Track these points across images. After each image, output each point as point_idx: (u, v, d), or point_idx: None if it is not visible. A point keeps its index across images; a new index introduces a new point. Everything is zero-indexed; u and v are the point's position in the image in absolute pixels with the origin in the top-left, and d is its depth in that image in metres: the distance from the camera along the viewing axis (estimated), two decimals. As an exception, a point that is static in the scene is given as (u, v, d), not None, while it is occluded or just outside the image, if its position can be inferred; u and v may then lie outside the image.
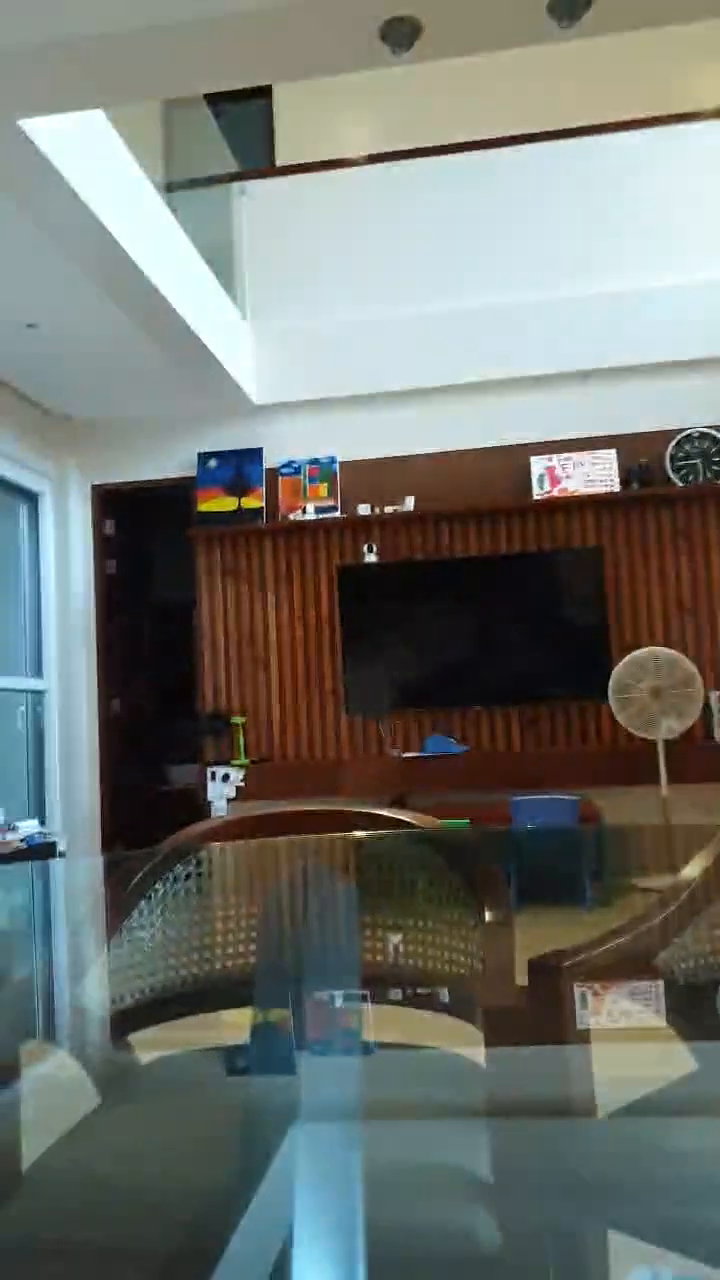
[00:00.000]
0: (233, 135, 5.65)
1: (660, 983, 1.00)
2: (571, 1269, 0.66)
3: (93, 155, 3.31)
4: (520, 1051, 0.85)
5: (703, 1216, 0.70)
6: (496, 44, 3.11)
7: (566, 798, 4.48)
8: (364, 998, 0.99)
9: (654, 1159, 0.75)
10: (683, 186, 5.16)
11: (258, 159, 6.51)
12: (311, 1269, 0.54)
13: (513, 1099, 0.77)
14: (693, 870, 1.19)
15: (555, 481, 5.14)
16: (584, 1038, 0.92)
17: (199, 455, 5.51)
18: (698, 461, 5.02)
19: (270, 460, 5.45)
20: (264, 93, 6.58)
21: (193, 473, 5.52)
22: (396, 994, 1.00)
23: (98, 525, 5.75)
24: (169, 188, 4.42)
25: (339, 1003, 0.97)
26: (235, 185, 5.55)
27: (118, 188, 3.51)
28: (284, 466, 5.43)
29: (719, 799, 4.80)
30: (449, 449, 5.30)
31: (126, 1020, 0.94)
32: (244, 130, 6.28)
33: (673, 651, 4.68)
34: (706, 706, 4.89)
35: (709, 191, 5.12)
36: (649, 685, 4.58)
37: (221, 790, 5.06)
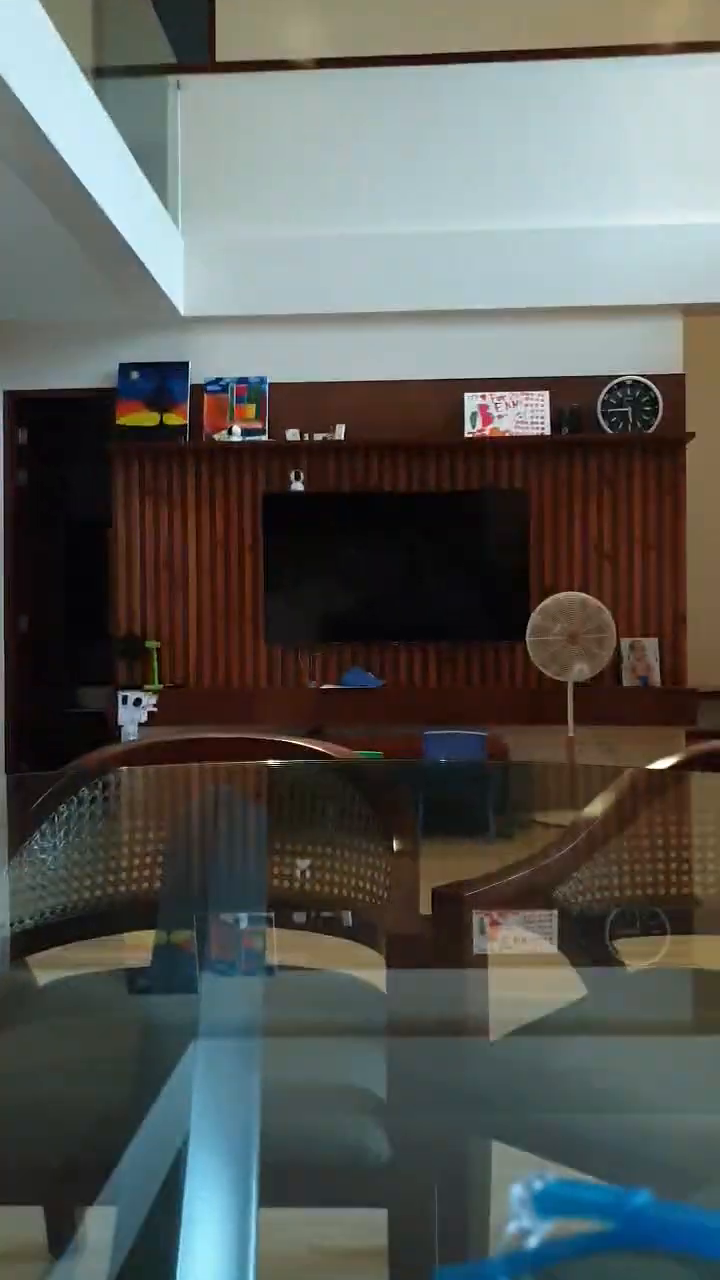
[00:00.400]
0: (171, 25, 5.33)
1: (554, 912, 1.04)
2: (455, 1177, 0.69)
3: (15, 29, 3.08)
4: (419, 975, 0.88)
5: (579, 1127, 0.74)
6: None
7: (475, 733, 4.59)
8: (269, 921, 1.00)
9: (539, 1076, 0.78)
10: (637, 125, 5.09)
11: (197, 53, 6.16)
12: (205, 1178, 0.55)
13: (410, 1020, 0.79)
14: (594, 809, 1.23)
15: (487, 420, 5.13)
16: (481, 962, 0.95)
17: (120, 366, 5.31)
18: (628, 410, 5.07)
19: (196, 376, 5.29)
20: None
21: (113, 384, 5.32)
22: (301, 918, 1.02)
23: (10, 434, 5.51)
24: (98, 73, 4.16)
25: (243, 925, 0.98)
26: (171, 79, 5.25)
27: (41, 66, 3.28)
28: (210, 384, 5.28)
29: (623, 741, 4.98)
30: (383, 378, 5.22)
31: (27, 941, 0.93)
32: (183, 21, 5.92)
33: (590, 597, 4.78)
34: (617, 652, 5.04)
35: (663, 132, 5.06)
36: (565, 629, 4.68)
37: (133, 715, 5.01)
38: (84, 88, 3.75)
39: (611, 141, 5.10)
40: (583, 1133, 0.76)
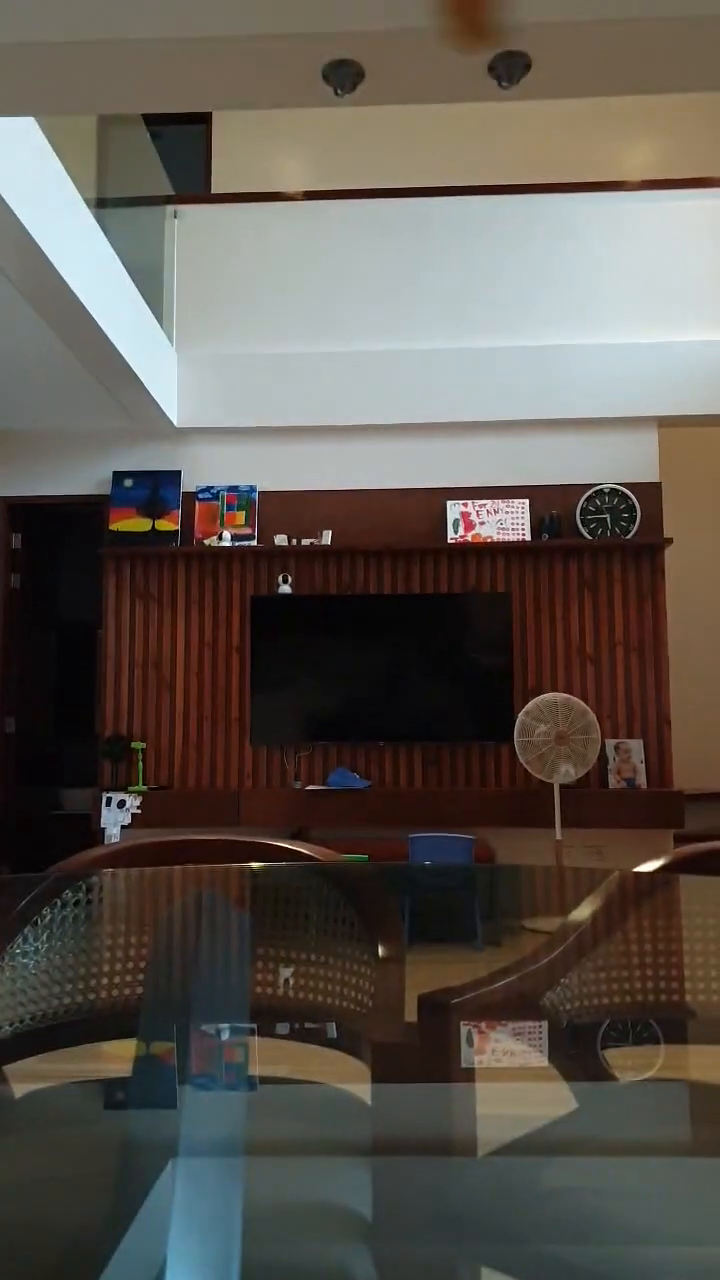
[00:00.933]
0: (169, 158, 5.68)
1: (545, 1023, 1.02)
2: (444, 1307, 0.66)
3: (22, 162, 3.28)
4: (406, 1089, 0.86)
5: (572, 1256, 0.72)
6: (437, 97, 3.21)
7: (462, 837, 4.53)
8: (251, 1031, 0.98)
9: (529, 1197, 0.76)
10: (611, 253, 5.40)
11: (194, 184, 6.54)
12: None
13: (396, 1136, 0.77)
14: (581, 913, 1.22)
15: (469, 526, 5.25)
16: (469, 1076, 0.93)
17: (114, 474, 5.44)
18: (606, 516, 5.21)
19: (188, 484, 5.42)
20: (204, 118, 6.64)
21: (107, 491, 5.44)
22: (284, 1028, 0.99)
23: (3, 539, 5.60)
24: (100, 204, 4.40)
25: (225, 1036, 0.96)
26: (169, 208, 5.56)
27: (47, 198, 3.48)
28: (202, 491, 5.41)
29: (611, 844, 4.93)
30: (368, 486, 5.37)
31: (5, 1050, 0.91)
32: (181, 154, 6.32)
33: (574, 698, 4.81)
34: (603, 754, 5.03)
35: (635, 259, 5.37)
36: (552, 730, 4.69)
37: (117, 817, 4.94)
38: (86, 216, 3.97)
39: (587, 267, 5.39)
40: (576, 1262, 0.73)
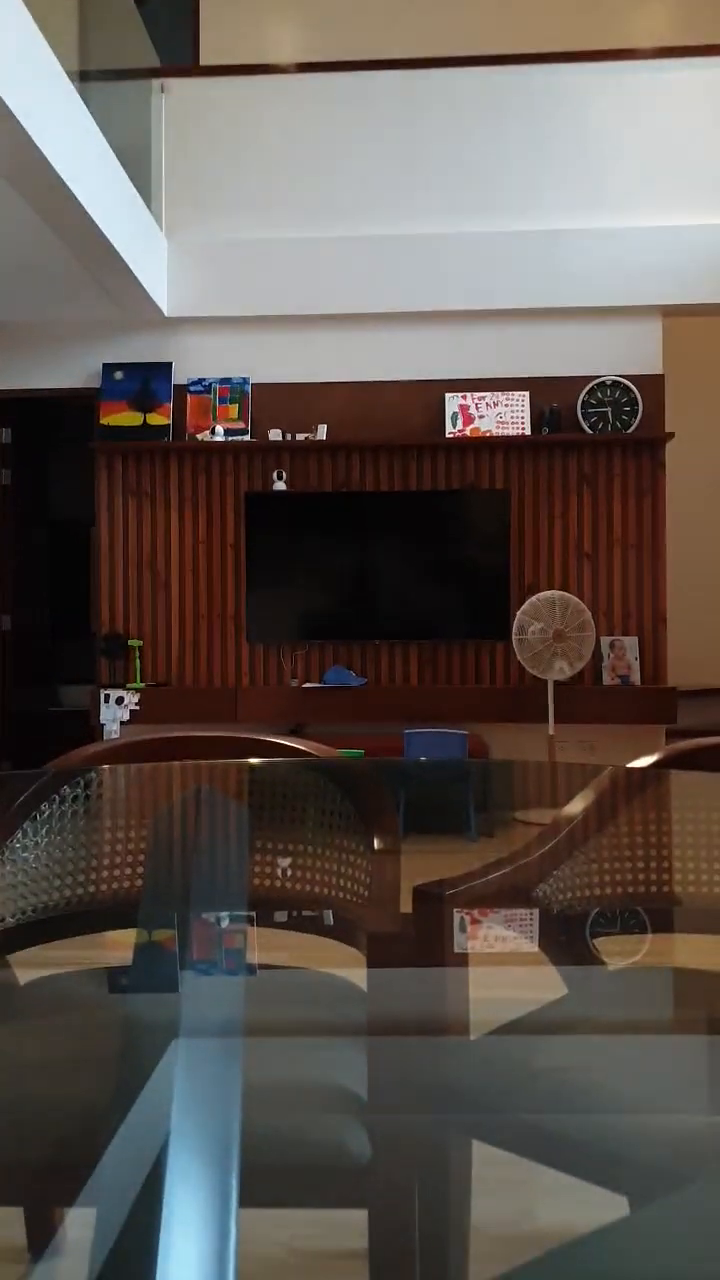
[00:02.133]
0: (155, 28, 5.32)
1: (535, 911, 1.04)
2: (436, 1177, 0.69)
3: (-1, 28, 3.06)
4: (400, 974, 0.88)
5: (560, 1126, 0.74)
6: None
7: (456, 732, 4.60)
8: (250, 920, 1.00)
9: (519, 1075, 0.79)
10: (616, 129, 5.12)
11: (181, 56, 6.15)
12: (185, 1178, 0.55)
13: (390, 1019, 0.79)
14: (574, 808, 1.24)
15: (468, 420, 5.14)
16: (461, 961, 0.95)
17: (104, 366, 5.29)
18: (608, 410, 5.10)
19: (179, 377, 5.28)
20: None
21: (97, 384, 5.30)
22: (282, 917, 1.02)
23: (-7, 433, 5.49)
24: (83, 77, 4.14)
25: (225, 924, 0.98)
26: (155, 83, 5.24)
27: (26, 68, 3.27)
28: (193, 384, 5.26)
29: (603, 739, 5.01)
30: (365, 379, 5.23)
31: (7, 940, 0.93)
32: (168, 24, 5.91)
33: (570, 596, 4.81)
34: (598, 651, 5.06)
35: (642, 136, 5.10)
36: (548, 628, 4.70)
37: (115, 713, 4.99)
38: (69, 90, 3.74)
39: (591, 145, 5.12)
40: (563, 1132, 0.76)
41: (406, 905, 0.95)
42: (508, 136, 5.14)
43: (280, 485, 5.20)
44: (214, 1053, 0.73)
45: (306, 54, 5.82)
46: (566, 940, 1.06)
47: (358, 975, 0.89)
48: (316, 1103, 0.69)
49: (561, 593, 4.81)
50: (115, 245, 4.23)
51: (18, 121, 3.15)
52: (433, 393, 5.19)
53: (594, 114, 5.13)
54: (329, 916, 1.05)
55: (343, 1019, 0.81)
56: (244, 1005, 0.83)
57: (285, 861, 1.10)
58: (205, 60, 6.24)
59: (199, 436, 5.21)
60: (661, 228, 5.03)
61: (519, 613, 4.76)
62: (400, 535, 5.17)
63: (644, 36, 5.84)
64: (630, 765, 1.31)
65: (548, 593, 4.80)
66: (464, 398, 5.14)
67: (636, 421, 5.07)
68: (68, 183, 3.61)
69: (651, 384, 5.11)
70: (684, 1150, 0.69)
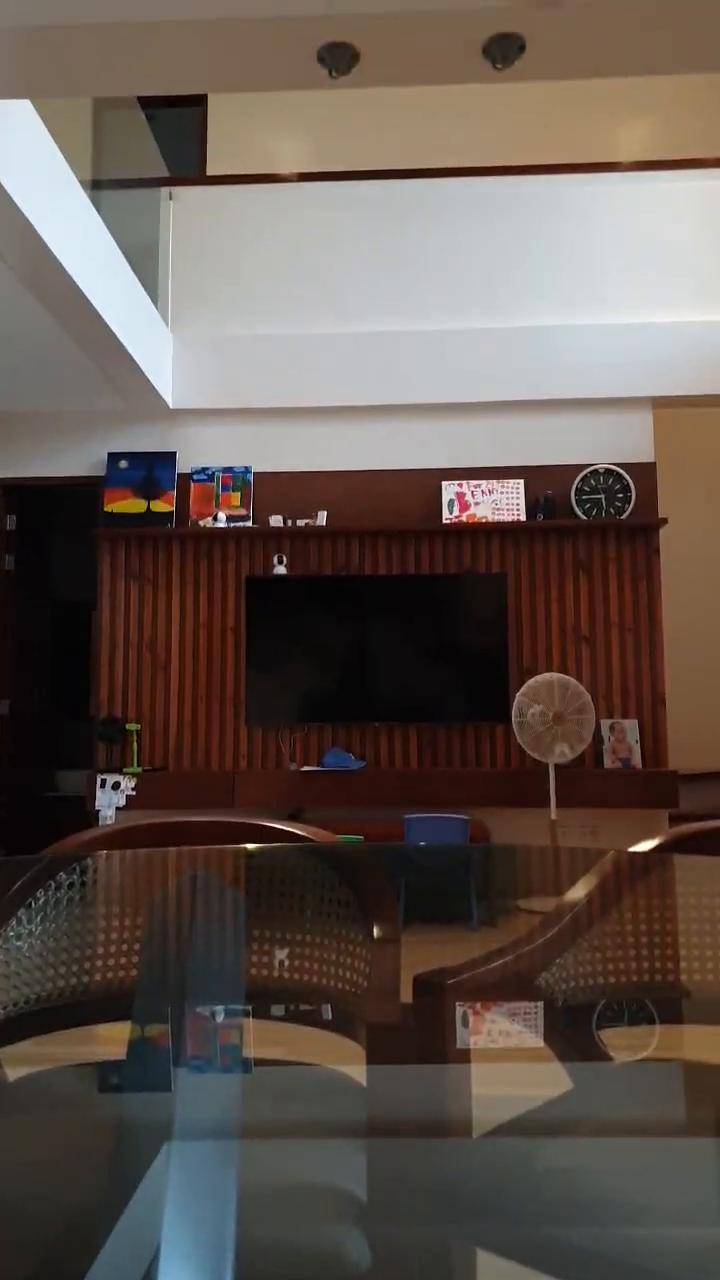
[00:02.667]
0: (164, 139, 5.62)
1: (540, 1003, 1.02)
2: (439, 1287, 0.66)
3: (17, 144, 3.23)
4: (401, 1070, 0.86)
5: (567, 1236, 0.72)
6: (432, 79, 3.18)
7: (457, 817, 4.55)
8: (246, 1013, 0.98)
9: (524, 1177, 0.76)
10: (604, 233, 5.36)
11: (188, 165, 6.48)
12: (177, 1290, 0.53)
13: (391, 1117, 0.77)
14: (577, 893, 1.22)
15: (465, 507, 5.24)
16: (464, 1057, 0.93)
17: (109, 455, 5.41)
18: (601, 496, 5.20)
19: (183, 466, 5.39)
20: (199, 100, 6.56)
21: (102, 472, 5.41)
22: (280, 1010, 1.00)
23: (-1, 519, 5.58)
24: (96, 185, 4.35)
25: (220, 1018, 0.96)
26: (164, 190, 5.50)
27: (42, 180, 3.44)
28: (197, 473, 5.38)
29: (606, 823, 4.95)
30: (364, 467, 5.35)
31: (1, 1032, 0.90)
32: (176, 135, 6.25)
33: (569, 678, 4.81)
34: (598, 734, 5.05)
35: (627, 240, 5.34)
36: (548, 710, 4.70)
37: (111, 799, 4.94)
38: (81, 197, 3.93)
39: (580, 248, 5.35)
40: (571, 1242, 0.73)
41: (407, 995, 0.92)
42: (500, 240, 5.37)
43: (281, 569, 5.26)
44: (208, 1155, 0.70)
45: (307, 164, 6.13)
46: (572, 1033, 1.04)
47: (357, 1070, 0.87)
48: (314, 1208, 0.67)
49: (560, 675, 4.82)
50: (122, 341, 4.38)
51: (33, 228, 3.30)
52: (430, 480, 5.30)
53: (582, 220, 5.37)
54: (328, 1010, 1.03)
55: (342, 1118, 0.79)
56: (240, 1104, 0.81)
57: (283, 952, 1.08)
58: (212, 169, 6.57)
59: (201, 523, 5.30)
60: (651, 324, 5.22)
61: (518, 695, 4.76)
62: (399, 618, 5.21)
63: (629, 148, 6.16)
64: (633, 849, 1.30)
65: (546, 675, 4.81)
66: (460, 485, 5.25)
67: (630, 508, 5.17)
68: (78, 283, 3.76)
69: (644, 471, 5.23)
70: (696, 1265, 0.66)
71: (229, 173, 5.94)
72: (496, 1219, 0.68)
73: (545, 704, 4.70)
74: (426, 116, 6.42)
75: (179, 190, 5.55)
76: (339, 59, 2.98)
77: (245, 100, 6.44)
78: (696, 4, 2.90)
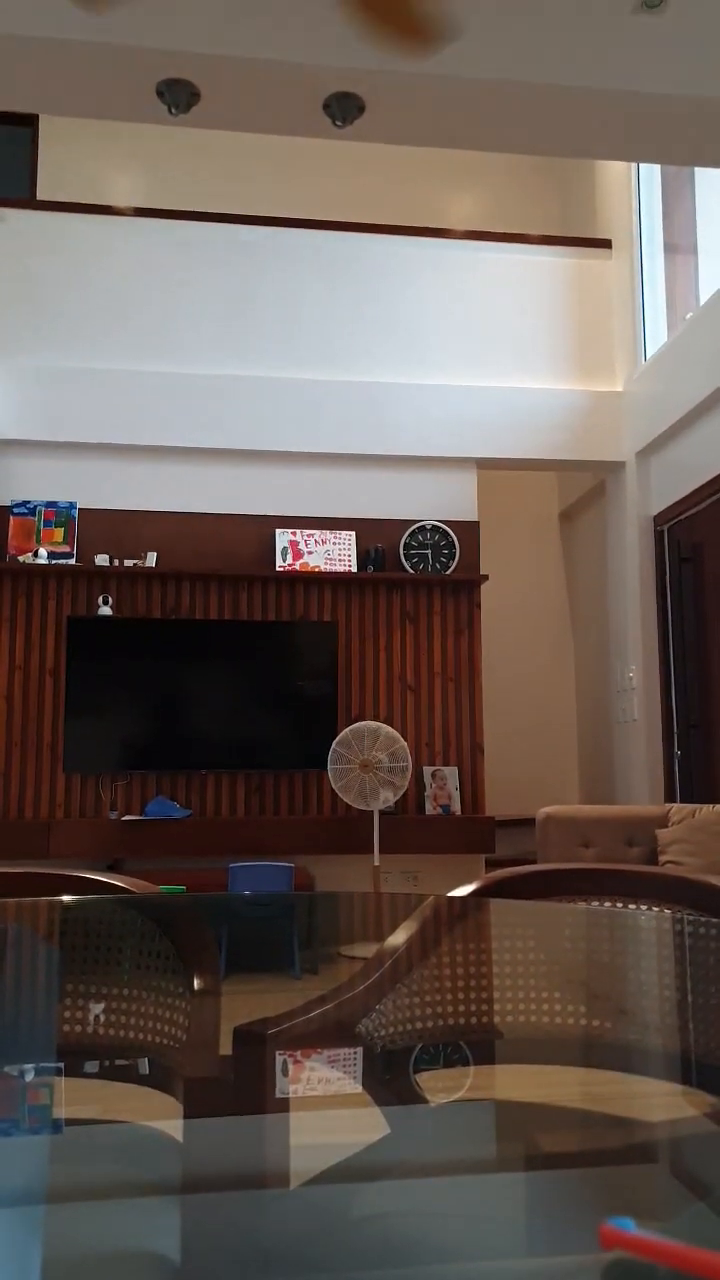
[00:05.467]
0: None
1: (359, 1049, 1.03)
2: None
3: None
4: (218, 1123, 0.84)
5: (377, 1279, 0.72)
6: (272, 127, 3.27)
7: (282, 865, 4.52)
8: (57, 1071, 0.93)
9: (339, 1226, 0.76)
10: (435, 297, 5.64)
11: (17, 187, 6.32)
12: None
13: (207, 1172, 0.75)
14: (396, 939, 1.25)
15: (298, 555, 5.30)
16: (283, 1106, 0.93)
17: None
18: (428, 551, 5.40)
19: (3, 498, 5.18)
20: (30, 120, 6.44)
21: None
22: (94, 1066, 0.96)
23: None
24: None
25: (29, 1076, 0.91)
26: (-8, 212, 5.34)
27: None
28: (18, 506, 5.18)
29: (426, 869, 5.06)
30: (196, 510, 5.32)
31: None
32: (5, 156, 6.09)
33: (385, 726, 4.92)
34: (420, 780, 5.17)
35: (455, 304, 5.63)
36: (361, 758, 4.76)
37: None
38: None
39: (413, 308, 5.61)
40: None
41: (227, 1048, 0.91)
42: (338, 294, 5.54)
43: (106, 610, 5.12)
44: (13, 1223, 0.67)
45: (144, 199, 6.13)
46: (389, 1078, 1.06)
47: (174, 1126, 0.85)
48: (124, 1273, 0.65)
49: (374, 722, 4.92)
50: (-56, 366, 4.18)
51: None
52: (264, 526, 5.33)
53: (417, 282, 5.63)
54: (144, 1065, 1.00)
55: (155, 1176, 0.77)
56: (48, 1167, 0.77)
57: (98, 1007, 1.04)
58: (43, 193, 6.43)
59: (21, 559, 5.09)
60: (475, 388, 5.51)
61: (334, 743, 4.81)
62: (229, 663, 5.17)
63: (461, 216, 6.53)
64: (451, 894, 1.34)
65: (361, 723, 4.89)
66: (294, 533, 5.31)
67: (455, 563, 5.39)
68: None
69: (467, 529, 5.48)
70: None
71: (62, 200, 5.84)
72: (311, 1269, 0.67)
73: (362, 751, 4.78)
74: (268, 164, 6.58)
75: (7, 212, 5.40)
76: (179, 96, 3.02)
77: (82, 125, 6.37)
78: (518, 89, 3.15)
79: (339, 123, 3.15)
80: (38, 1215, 0.65)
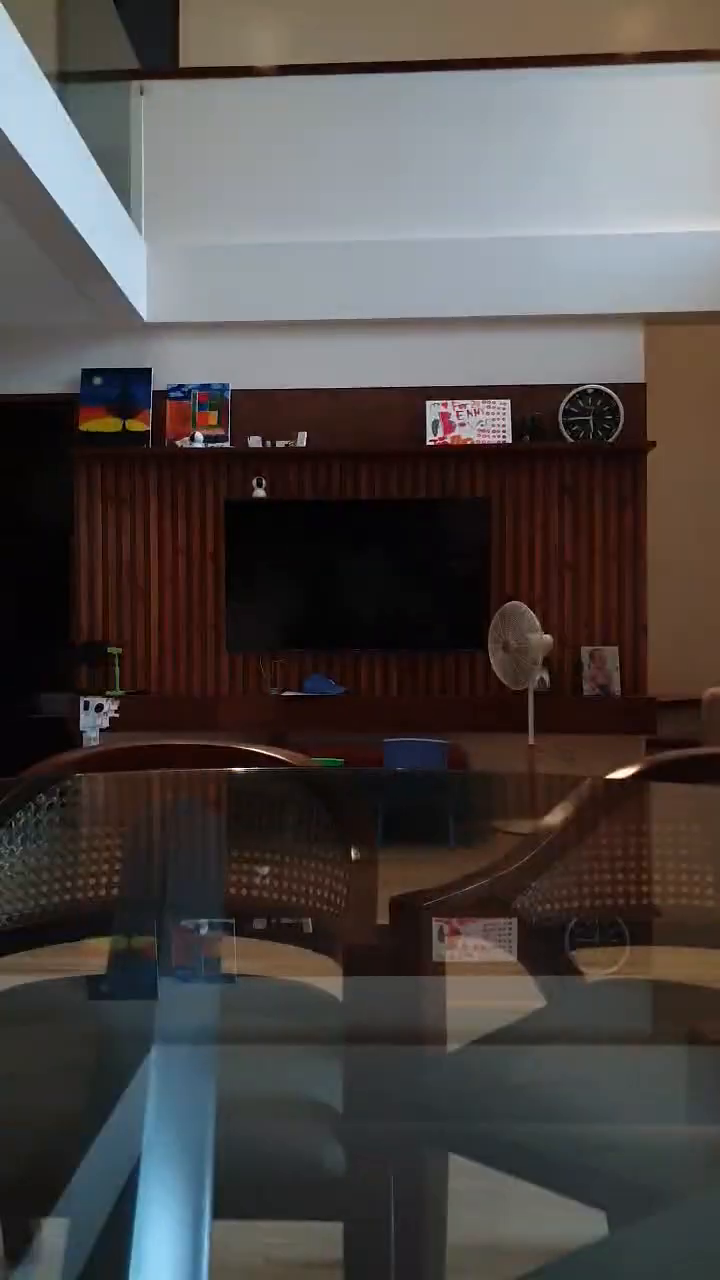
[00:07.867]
0: (134, 30, 5.31)
1: (513, 920, 1.04)
2: (411, 1190, 0.68)
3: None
4: (376, 984, 0.88)
5: (537, 1140, 0.74)
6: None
7: (436, 741, 4.60)
8: (228, 928, 0.99)
9: (496, 1087, 0.78)
10: (600, 135, 5.15)
11: (161, 58, 6.15)
12: (159, 1191, 0.55)
13: (366, 1029, 0.79)
14: (553, 819, 1.24)
15: (449, 428, 5.16)
16: (439, 969, 0.95)
17: (83, 371, 5.27)
18: (589, 418, 5.13)
19: (159, 383, 5.26)
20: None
21: (76, 389, 5.28)
22: (261, 924, 1.01)
23: (-28, 437, 5.45)
24: (61, 78, 4.13)
25: (203, 931, 0.98)
26: (135, 84, 5.23)
27: (4, 69, 3.26)
28: (173, 390, 5.25)
29: (583, 750, 5.03)
30: (345, 385, 5.24)
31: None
32: (147, 25, 5.91)
33: (519, 603, 4.80)
34: (578, 660, 5.08)
35: (626, 142, 5.13)
36: (504, 639, 4.70)
37: (94, 721, 4.96)
38: (47, 92, 3.73)
39: (575, 151, 5.16)
40: (540, 1146, 0.76)
41: (384, 916, 0.94)
42: (490, 141, 5.17)
43: (260, 493, 5.19)
44: (190, 1062, 0.72)
45: (287, 57, 5.84)
46: (545, 951, 1.06)
47: (334, 985, 0.89)
48: (291, 1114, 0.69)
49: (514, 603, 4.79)
50: (94, 250, 4.22)
51: (-3, 124, 3.13)
52: (414, 400, 5.20)
53: (578, 120, 5.17)
54: (308, 924, 1.05)
55: (318, 1028, 0.81)
56: (221, 1014, 0.82)
57: (263, 870, 1.09)
58: (185, 62, 6.24)
59: (178, 443, 5.20)
60: (644, 235, 5.07)
61: (491, 627, 4.75)
62: (380, 544, 5.17)
63: (630, 41, 5.90)
64: (610, 777, 1.32)
65: (509, 604, 4.78)
66: (445, 405, 5.16)
67: (618, 431, 5.11)
68: (46, 185, 3.60)
69: (633, 393, 5.15)
70: (662, 1163, 0.69)
71: (204, 65, 5.64)
72: (469, 1125, 0.70)
73: (499, 633, 4.70)
74: (415, 7, 6.11)
75: (151, 85, 5.27)
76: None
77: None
78: None
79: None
80: (212, 1056, 0.70)
